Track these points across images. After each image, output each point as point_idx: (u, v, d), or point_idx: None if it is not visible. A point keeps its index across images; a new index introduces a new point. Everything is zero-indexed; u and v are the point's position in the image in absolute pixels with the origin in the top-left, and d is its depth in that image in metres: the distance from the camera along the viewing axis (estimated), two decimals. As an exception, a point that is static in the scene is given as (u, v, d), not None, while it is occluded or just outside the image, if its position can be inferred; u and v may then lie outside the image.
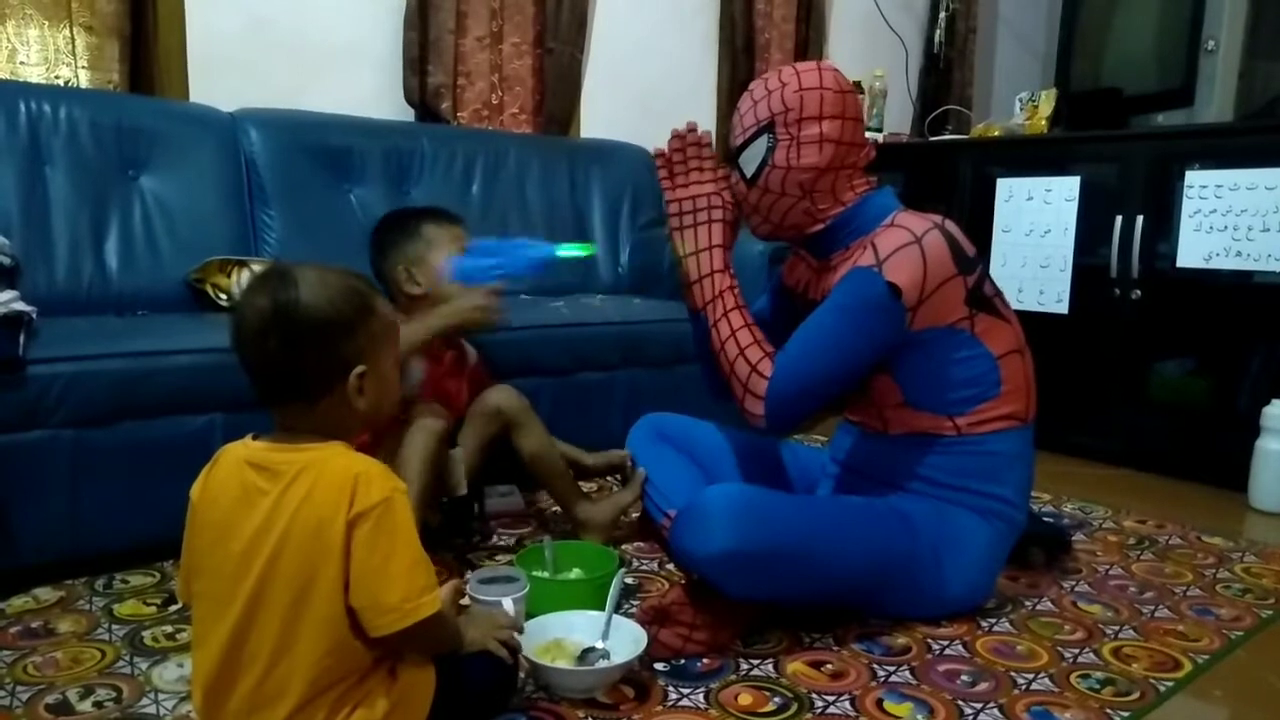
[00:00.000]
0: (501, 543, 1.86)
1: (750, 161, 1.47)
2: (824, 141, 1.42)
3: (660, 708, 1.22)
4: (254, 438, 1.03)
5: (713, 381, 1.59)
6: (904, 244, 1.37)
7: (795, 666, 1.34)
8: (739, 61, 3.33)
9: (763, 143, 1.45)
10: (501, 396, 1.82)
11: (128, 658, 1.34)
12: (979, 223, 2.76)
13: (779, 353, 1.41)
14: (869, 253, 1.38)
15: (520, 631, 1.22)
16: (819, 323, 1.40)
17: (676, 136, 1.51)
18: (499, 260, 1.67)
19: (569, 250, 1.68)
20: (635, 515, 1.86)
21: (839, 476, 1.61)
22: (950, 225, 1.42)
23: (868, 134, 2.19)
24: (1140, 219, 2.44)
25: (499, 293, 1.69)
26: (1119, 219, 2.48)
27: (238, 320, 1.01)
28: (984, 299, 1.43)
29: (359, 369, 1.01)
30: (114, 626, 1.44)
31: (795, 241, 1.56)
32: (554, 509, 1.95)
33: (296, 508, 0.96)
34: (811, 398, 1.40)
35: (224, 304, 2.01)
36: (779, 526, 1.33)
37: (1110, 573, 1.76)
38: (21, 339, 1.53)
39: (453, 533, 1.83)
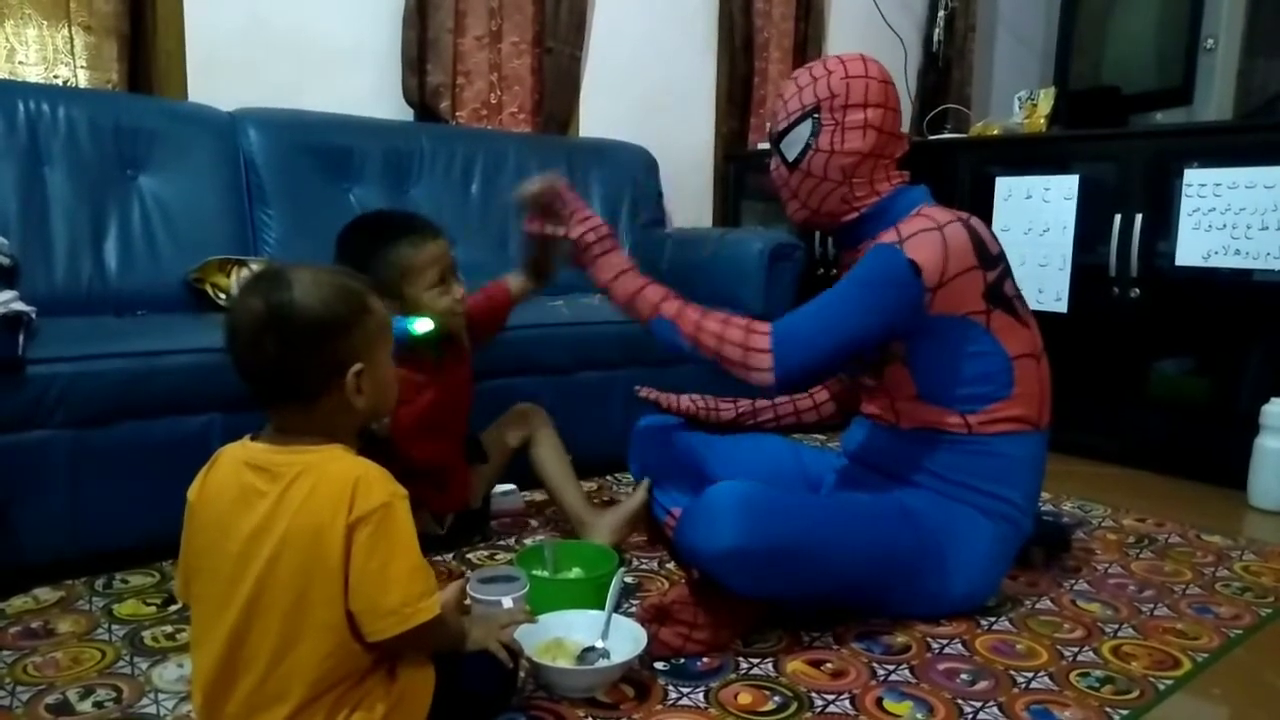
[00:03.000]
0: (501, 542, 1.86)
1: (793, 145, 1.48)
2: (868, 128, 1.44)
3: (660, 707, 1.22)
4: (252, 438, 1.03)
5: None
6: (926, 228, 1.40)
7: (795, 665, 1.34)
8: (738, 60, 3.33)
9: (807, 127, 1.46)
10: (527, 413, 1.88)
11: (128, 658, 1.34)
12: (978, 221, 2.76)
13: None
14: (890, 232, 1.41)
15: (534, 622, 1.23)
16: (835, 289, 1.41)
17: (546, 182, 1.49)
18: None
19: (422, 326, 1.52)
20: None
21: (848, 469, 1.62)
22: (976, 222, 1.45)
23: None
24: (1139, 217, 2.44)
25: None
26: (1118, 217, 2.48)
27: (232, 323, 1.01)
28: (1003, 298, 1.44)
29: (356, 367, 1.01)
30: (114, 626, 1.44)
31: (828, 229, 1.57)
32: (553, 508, 1.95)
33: (296, 510, 0.95)
34: (816, 349, 1.38)
35: (223, 303, 2.01)
36: (786, 523, 1.33)
37: (1110, 571, 1.76)
38: (21, 339, 1.53)
39: (461, 541, 1.83)
